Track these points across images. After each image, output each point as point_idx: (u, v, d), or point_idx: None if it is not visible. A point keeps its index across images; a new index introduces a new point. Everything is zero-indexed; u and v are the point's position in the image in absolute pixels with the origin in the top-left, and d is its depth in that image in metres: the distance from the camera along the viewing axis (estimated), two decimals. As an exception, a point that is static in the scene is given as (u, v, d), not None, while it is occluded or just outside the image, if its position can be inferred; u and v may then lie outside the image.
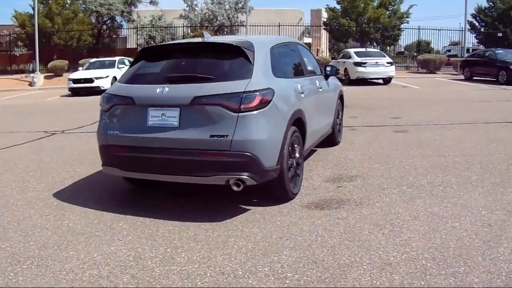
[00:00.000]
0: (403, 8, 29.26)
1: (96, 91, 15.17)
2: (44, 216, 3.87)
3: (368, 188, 4.40)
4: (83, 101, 14.58)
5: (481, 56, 18.66)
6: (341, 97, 6.53)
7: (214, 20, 29.86)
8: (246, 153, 3.45)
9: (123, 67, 17.53)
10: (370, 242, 3.17)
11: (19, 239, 3.39)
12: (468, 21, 29.32)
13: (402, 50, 40.21)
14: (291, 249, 3.08)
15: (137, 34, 28.77)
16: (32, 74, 21.04)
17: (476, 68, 18.48)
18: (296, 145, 4.12)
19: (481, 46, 30.35)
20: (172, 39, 29.90)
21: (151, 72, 4.12)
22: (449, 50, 33.44)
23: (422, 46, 31.31)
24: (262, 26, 26.34)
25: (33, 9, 22.96)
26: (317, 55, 27.63)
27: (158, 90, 3.66)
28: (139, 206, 4.02)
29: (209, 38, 4.16)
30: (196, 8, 30.55)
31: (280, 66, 4.17)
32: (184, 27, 29.38)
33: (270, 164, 3.60)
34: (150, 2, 30.79)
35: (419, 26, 28.19)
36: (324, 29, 30.42)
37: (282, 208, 3.90)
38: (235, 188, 3.55)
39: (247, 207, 3.93)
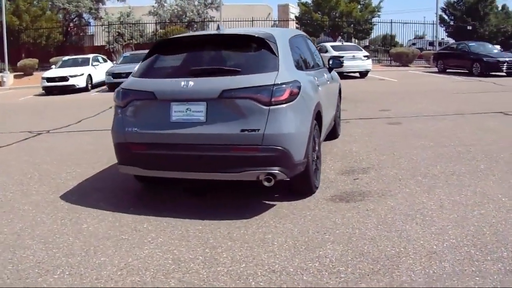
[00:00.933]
0: (374, 2, 29.81)
1: (71, 89, 14.62)
2: (58, 220, 3.66)
3: (384, 180, 4.42)
4: (60, 100, 13.99)
5: (454, 49, 19.23)
6: (339, 90, 6.55)
7: (184, 16, 29.51)
8: (278, 147, 3.37)
9: (97, 65, 16.96)
10: (408, 232, 3.18)
11: (39, 246, 3.18)
12: (440, 13, 30.33)
13: (367, 44, 41.01)
14: (332, 243, 3.04)
15: (106, 31, 27.96)
16: (1, 74, 20.01)
17: (449, 60, 19.04)
18: (316, 138, 4.08)
19: (450, 39, 31.29)
20: (141, 36, 29.42)
21: (171, 65, 3.96)
22: (414, 44, 34.28)
23: (387, 40, 32.05)
24: (236, 21, 26.27)
25: (0, 6, 21.82)
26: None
27: (182, 84, 3.51)
28: (157, 206, 3.87)
29: (225, 30, 4.03)
30: (165, 4, 30.07)
31: (298, 59, 4.12)
32: (154, 24, 28.86)
33: (299, 158, 3.54)
34: (118, -1, 30.01)
35: (391, 20, 28.90)
36: (297, 23, 30.57)
37: (307, 202, 3.86)
38: (266, 184, 3.47)
39: (271, 203, 3.86)
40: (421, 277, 2.57)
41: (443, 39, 32.25)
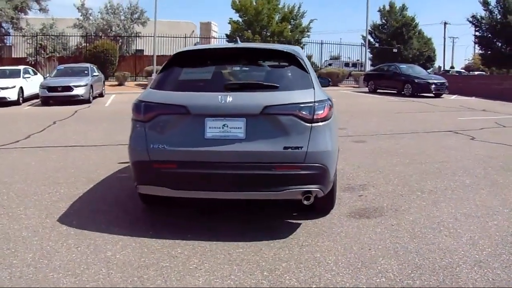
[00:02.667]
0: (304, 22, 31.19)
1: (2, 102, 13.23)
2: (73, 248, 3.26)
3: (388, 196, 4.60)
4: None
5: (385, 70, 20.79)
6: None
7: (109, 30, 28.55)
8: (320, 165, 3.37)
9: (29, 77, 15.55)
10: (443, 244, 3.34)
11: (71, 280, 2.79)
12: (363, 36, 32.56)
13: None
14: (384, 258, 3.10)
15: (28, 43, 25.86)
16: None
17: (381, 81, 20.52)
18: None
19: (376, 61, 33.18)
20: (64, 49, 27.81)
21: (199, 78, 3.77)
22: (330, 64, 36.06)
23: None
24: (169, 37, 26.12)
25: None
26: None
27: (219, 98, 3.36)
28: (176, 228, 3.63)
29: (248, 44, 3.96)
30: (90, 17, 28.82)
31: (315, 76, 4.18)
32: (79, 36, 27.45)
33: (333, 175, 3.57)
34: (40, 9, 27.99)
35: (321, 41, 30.45)
36: (227, 41, 31.08)
37: (329, 220, 3.88)
38: (305, 202, 3.43)
39: (295, 221, 3.83)
40: (483, 284, 2.72)
41: (358, 59, 34.06)
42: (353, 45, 31.05)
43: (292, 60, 3.71)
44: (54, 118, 10.93)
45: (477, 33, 29.36)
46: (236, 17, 29.46)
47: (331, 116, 3.53)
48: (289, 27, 30.02)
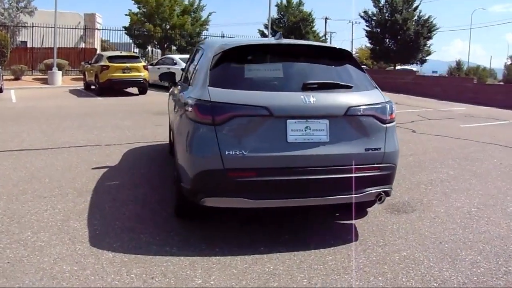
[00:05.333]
0: (204, 15, 30.77)
1: None
2: (149, 280, 2.74)
3: (401, 190, 4.78)
4: None
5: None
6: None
7: (-8, 19, 24.67)
8: (393, 165, 3.38)
9: None
10: (496, 231, 3.65)
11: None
12: (260, 30, 33.19)
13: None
14: (461, 250, 3.25)
15: None
16: None
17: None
18: None
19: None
20: None
21: (269, 77, 3.41)
22: None
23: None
24: (65, 28, 23.84)
25: None
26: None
27: (302, 98, 3.13)
28: (227, 242, 3.30)
29: (296, 41, 3.72)
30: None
31: None
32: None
33: None
34: None
35: (222, 33, 30.32)
36: (126, 33, 29.16)
37: (371, 218, 3.91)
38: (379, 203, 3.41)
39: (345, 222, 3.80)
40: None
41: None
42: (251, 37, 31.57)
43: (348, 59, 3.65)
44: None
45: (367, 28, 32.18)
46: (135, 8, 27.82)
47: (395, 117, 3.56)
48: (190, 19, 29.40)
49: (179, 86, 4.92)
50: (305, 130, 3.14)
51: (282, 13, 35.39)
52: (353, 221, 3.79)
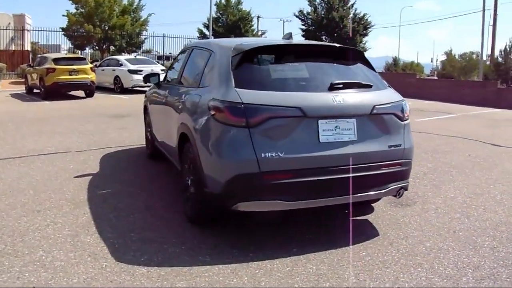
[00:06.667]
0: (143, 15, 29.91)
1: None
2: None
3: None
4: None
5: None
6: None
7: None
8: (410, 160, 3.51)
9: None
10: (494, 218, 3.90)
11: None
12: (199, 29, 32.86)
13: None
14: (477, 237, 3.45)
15: None
16: None
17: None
18: None
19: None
20: None
21: (296, 77, 3.37)
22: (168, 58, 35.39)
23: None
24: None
25: None
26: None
27: (331, 98, 3.14)
28: (261, 248, 3.26)
29: (312, 42, 3.72)
30: None
31: None
32: None
33: None
34: None
35: (163, 34, 29.59)
36: (64, 35, 27.55)
37: (379, 213, 4.01)
38: (398, 197, 3.52)
39: (358, 219, 3.88)
40: None
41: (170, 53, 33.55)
42: (193, 38, 31.19)
43: (362, 58, 3.73)
44: None
45: (303, 27, 33.13)
46: (72, 8, 26.46)
47: None
48: (130, 20, 28.51)
49: (170, 88, 4.71)
50: (335, 130, 3.16)
51: (221, 12, 35.26)
52: (368, 216, 3.90)
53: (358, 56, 3.73)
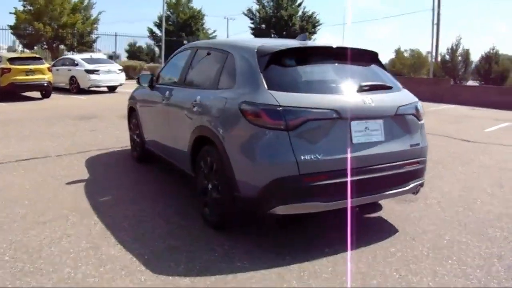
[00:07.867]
0: (94, 13, 28.72)
1: None
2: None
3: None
4: None
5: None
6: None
7: None
8: (425, 159, 3.64)
9: None
10: (494, 210, 4.14)
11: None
12: (149, 28, 32.00)
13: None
14: (490, 228, 3.65)
15: None
16: None
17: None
18: None
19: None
20: None
21: (321, 79, 3.40)
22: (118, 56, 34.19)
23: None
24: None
25: None
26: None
27: (362, 100, 3.20)
28: (275, 253, 3.25)
29: (332, 43, 3.70)
30: None
31: None
32: None
33: None
34: None
35: (115, 33, 28.51)
36: (12, 33, 25.73)
37: (388, 211, 4.09)
38: (415, 195, 3.65)
39: (371, 216, 3.97)
40: None
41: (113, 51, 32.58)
42: (145, 37, 30.41)
43: (377, 60, 3.83)
44: None
45: (252, 25, 33.45)
46: (19, 6, 24.85)
47: None
48: (81, 18, 27.26)
49: (171, 89, 4.53)
50: (365, 131, 3.23)
51: (171, 10, 34.55)
52: (380, 213, 4.00)
53: (374, 58, 3.82)
